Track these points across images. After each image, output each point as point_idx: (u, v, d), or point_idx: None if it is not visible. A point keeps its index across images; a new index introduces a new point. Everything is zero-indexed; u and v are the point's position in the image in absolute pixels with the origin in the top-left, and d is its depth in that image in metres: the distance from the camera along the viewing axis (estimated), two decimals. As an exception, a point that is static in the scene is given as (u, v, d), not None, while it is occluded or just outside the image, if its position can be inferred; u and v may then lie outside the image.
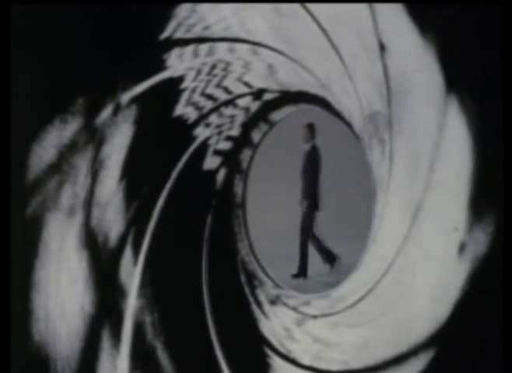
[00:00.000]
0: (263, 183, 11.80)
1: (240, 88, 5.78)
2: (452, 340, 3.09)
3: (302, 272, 10.64)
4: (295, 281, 10.24)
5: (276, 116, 7.31)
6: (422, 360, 3.25)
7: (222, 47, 4.51)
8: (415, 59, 3.03)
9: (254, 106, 6.54)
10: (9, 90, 2.86)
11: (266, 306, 6.57)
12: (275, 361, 5.19)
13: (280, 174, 14.24)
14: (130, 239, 4.09)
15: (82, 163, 3.30)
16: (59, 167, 3.10)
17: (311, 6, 3.62)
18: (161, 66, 3.97)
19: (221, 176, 6.74)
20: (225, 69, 5.03)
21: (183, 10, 3.66)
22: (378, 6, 3.13)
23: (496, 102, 2.68)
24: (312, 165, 10.61)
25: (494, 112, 2.70)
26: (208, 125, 5.62)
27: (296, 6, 3.67)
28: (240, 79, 5.51)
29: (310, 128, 10.65)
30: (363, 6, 3.20)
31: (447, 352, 3.13)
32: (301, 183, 10.83)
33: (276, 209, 14.40)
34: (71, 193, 3.25)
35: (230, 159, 6.92)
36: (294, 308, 6.63)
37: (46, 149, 2.98)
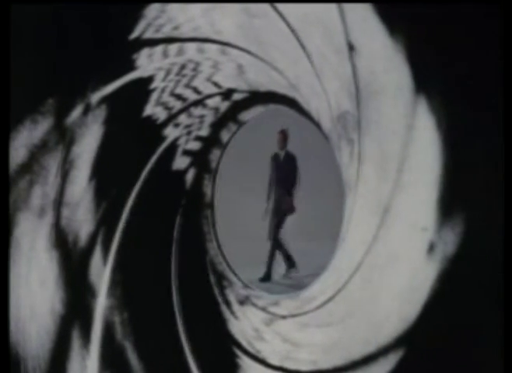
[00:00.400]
0: (232, 183, 11.80)
1: (210, 89, 5.79)
2: (421, 341, 3.10)
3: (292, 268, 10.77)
4: (289, 281, 10.33)
5: (245, 116, 7.33)
6: (391, 361, 3.26)
7: (191, 47, 4.51)
8: (384, 60, 3.04)
9: (223, 106, 6.55)
10: (9, 89, 2.84)
11: (235, 306, 6.58)
12: (244, 361, 5.20)
13: (249, 174, 14.23)
14: (100, 239, 4.07)
15: (52, 163, 3.28)
16: (30, 167, 3.08)
17: (280, 6, 3.63)
18: (130, 66, 3.96)
19: (190, 176, 6.74)
20: (194, 69, 5.03)
21: (152, 10, 3.66)
22: (347, 6, 3.13)
23: (465, 102, 2.70)
24: (294, 168, 10.73)
25: (463, 113, 2.72)
26: (177, 125, 5.61)
27: (266, 6, 3.67)
28: (209, 79, 5.52)
29: (284, 134, 10.75)
30: (332, 6, 3.21)
31: (416, 352, 3.15)
32: (277, 187, 10.88)
33: (245, 209, 14.39)
34: (42, 193, 3.24)
35: (199, 159, 6.93)
36: (263, 309, 6.64)
37: (16, 149, 2.96)
